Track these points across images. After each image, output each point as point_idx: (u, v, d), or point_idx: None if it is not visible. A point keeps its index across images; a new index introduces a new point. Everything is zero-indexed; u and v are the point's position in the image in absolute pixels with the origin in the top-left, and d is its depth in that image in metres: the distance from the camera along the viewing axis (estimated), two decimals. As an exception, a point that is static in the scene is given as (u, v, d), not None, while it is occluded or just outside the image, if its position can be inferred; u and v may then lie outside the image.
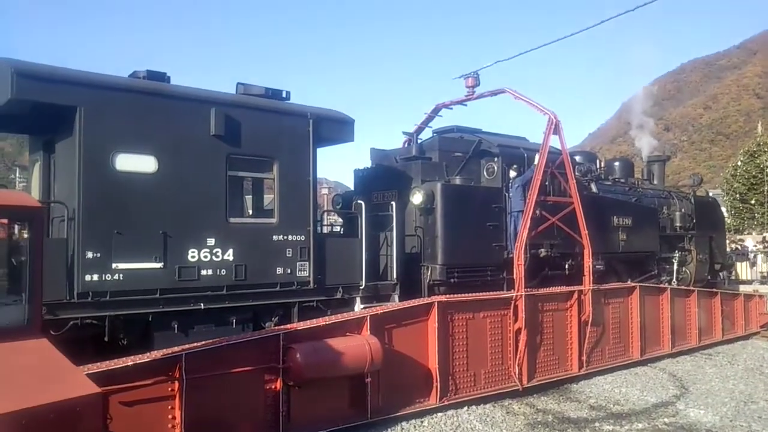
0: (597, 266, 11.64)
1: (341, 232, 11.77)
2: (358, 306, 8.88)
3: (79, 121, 6.87)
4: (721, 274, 17.75)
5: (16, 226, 5.61)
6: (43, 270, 4.67)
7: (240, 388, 6.76)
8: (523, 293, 9.89)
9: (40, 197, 7.89)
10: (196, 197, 7.58)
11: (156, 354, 6.22)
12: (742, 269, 21.65)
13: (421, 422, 8.18)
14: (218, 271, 7.68)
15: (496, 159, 11.22)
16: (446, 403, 8.65)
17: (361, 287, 8.97)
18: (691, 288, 14.50)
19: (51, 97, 6.80)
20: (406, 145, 12.28)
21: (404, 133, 12.72)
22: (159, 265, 7.22)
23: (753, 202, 41.41)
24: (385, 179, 10.95)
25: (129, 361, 5.92)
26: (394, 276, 9.43)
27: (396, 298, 9.36)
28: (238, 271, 7.82)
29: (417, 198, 9.91)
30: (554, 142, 11.10)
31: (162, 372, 6.17)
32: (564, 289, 10.95)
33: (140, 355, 6.11)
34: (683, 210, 15.81)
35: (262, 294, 8.06)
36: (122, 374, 5.81)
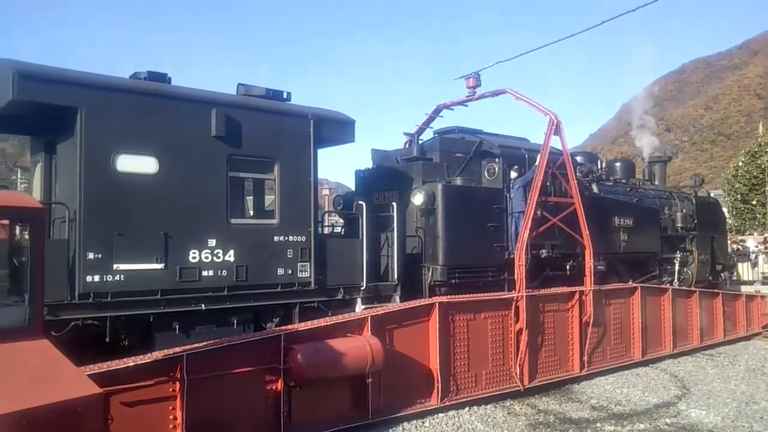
0: (598, 267, 11.63)
1: (342, 233, 11.77)
2: (359, 307, 8.88)
3: (80, 122, 6.88)
4: (722, 274, 17.73)
5: (18, 227, 5.61)
6: (45, 271, 4.67)
7: (241, 388, 6.76)
8: (525, 294, 9.88)
9: (41, 198, 7.89)
10: (197, 198, 7.59)
11: (157, 354, 6.23)
12: (744, 270, 21.63)
13: (423, 423, 8.18)
14: (219, 271, 7.68)
15: (497, 160, 11.22)
16: (447, 403, 8.64)
17: (362, 288, 8.97)
18: (693, 289, 14.48)
19: (52, 98, 6.81)
20: (407, 146, 12.28)
21: (405, 133, 12.72)
22: (160, 266, 7.22)
23: (754, 202, 41.40)
24: (386, 180, 10.95)
25: (130, 361, 5.93)
26: (395, 277, 9.43)
27: (397, 298, 9.36)
28: (239, 272, 7.82)
29: (418, 199, 9.91)
30: (555, 142, 11.11)
31: (163, 372, 6.17)
32: (565, 289, 10.94)
33: (141, 356, 6.12)
34: (684, 210, 15.80)
35: (263, 295, 8.06)
36: (123, 375, 5.82)
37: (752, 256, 22.89)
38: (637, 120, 20.92)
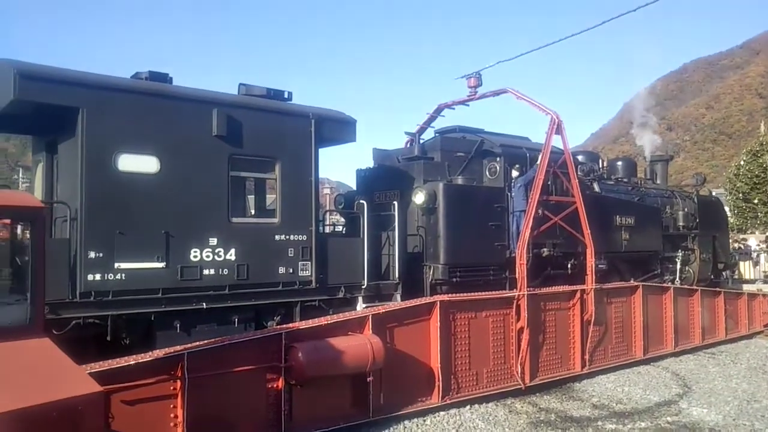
0: (600, 265, 11.62)
1: (343, 232, 11.78)
2: (360, 305, 8.89)
3: (81, 121, 6.90)
4: (724, 273, 17.72)
5: (19, 227, 5.64)
6: (46, 270, 4.68)
7: (242, 387, 6.77)
8: (526, 292, 9.88)
9: (43, 197, 7.91)
10: (198, 197, 7.60)
11: (158, 353, 6.23)
12: (745, 269, 21.61)
13: (424, 421, 8.18)
14: (220, 270, 7.69)
15: (498, 159, 11.22)
16: (448, 402, 8.65)
17: (363, 287, 8.98)
18: (695, 287, 14.47)
19: (53, 98, 6.83)
20: (408, 145, 12.28)
21: (406, 133, 12.73)
22: (161, 264, 7.23)
23: (756, 201, 41.31)
24: (387, 179, 10.96)
25: (131, 360, 5.94)
26: (396, 275, 9.44)
27: (398, 297, 9.37)
28: (241, 271, 7.84)
29: (419, 198, 9.92)
30: (556, 142, 11.12)
31: (164, 371, 6.18)
32: (566, 288, 10.94)
33: (142, 354, 6.13)
34: (686, 209, 15.78)
35: (264, 293, 8.07)
36: (124, 373, 5.83)
37: (754, 255, 22.87)
38: (638, 118, 20.91)
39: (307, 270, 8.43)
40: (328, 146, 9.58)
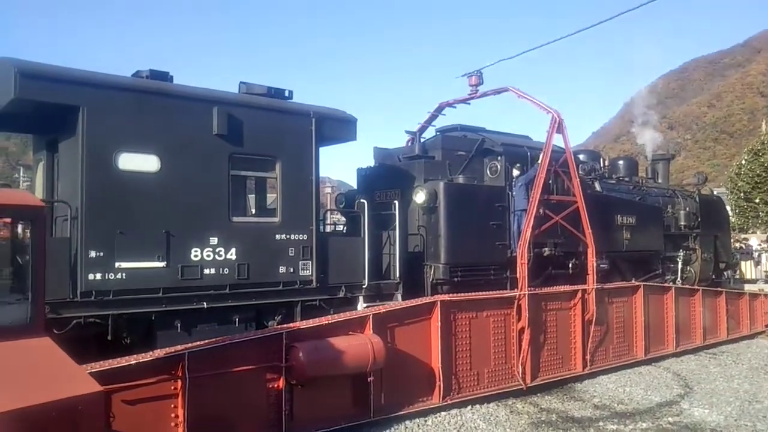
0: (601, 265, 11.60)
1: (344, 231, 11.76)
2: (361, 305, 8.87)
3: (82, 120, 6.88)
4: (725, 273, 17.69)
5: (20, 225, 5.62)
6: (47, 269, 4.67)
7: (243, 386, 6.76)
8: (527, 292, 9.86)
9: (43, 196, 7.90)
10: (198, 196, 7.59)
11: (159, 353, 6.22)
12: (747, 268, 21.58)
13: (425, 421, 8.17)
14: (221, 270, 7.68)
15: (499, 158, 11.20)
16: (449, 402, 8.64)
17: (364, 286, 8.96)
18: (696, 287, 14.45)
19: (54, 97, 6.81)
20: (409, 144, 12.25)
21: (407, 131, 12.70)
22: (162, 264, 7.22)
23: (757, 200, 41.27)
24: (388, 178, 10.94)
25: (132, 359, 5.93)
26: (397, 275, 9.42)
27: (399, 297, 9.35)
28: (241, 270, 7.82)
29: (420, 197, 9.90)
30: (557, 140, 11.10)
31: (165, 371, 6.17)
32: (568, 288, 10.92)
33: (143, 354, 6.12)
34: (688, 209, 15.75)
35: (265, 293, 8.06)
36: (125, 373, 5.82)
37: (755, 255, 22.84)
38: (639, 115, 20.87)
39: (307, 269, 8.41)
40: (328, 145, 9.56)
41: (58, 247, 6.74)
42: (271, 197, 9.41)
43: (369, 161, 11.88)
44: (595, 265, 11.18)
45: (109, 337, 6.90)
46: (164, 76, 7.74)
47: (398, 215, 9.53)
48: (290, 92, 8.80)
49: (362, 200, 9.25)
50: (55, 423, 3.76)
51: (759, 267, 22.19)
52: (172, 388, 6.23)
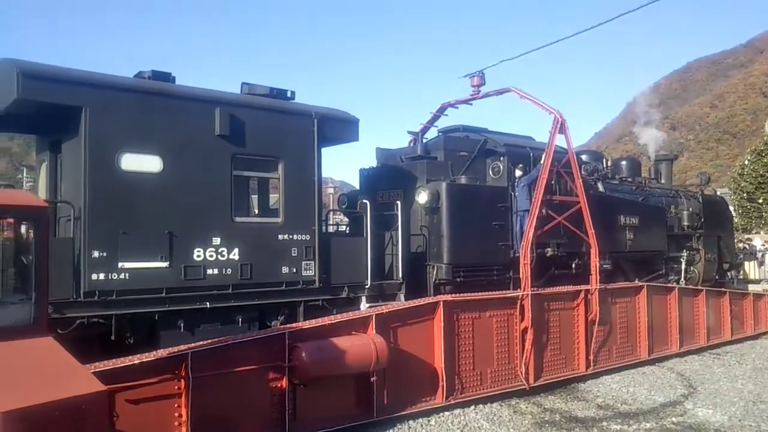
0: (604, 265, 11.58)
1: (347, 232, 11.76)
2: (364, 305, 8.87)
3: (84, 121, 6.89)
4: (729, 273, 17.63)
5: (23, 226, 5.63)
6: (50, 269, 4.69)
7: (246, 386, 6.77)
8: (530, 292, 9.85)
9: (47, 197, 7.91)
10: (201, 197, 7.59)
11: (162, 352, 6.23)
12: (751, 269, 21.50)
13: (428, 421, 8.16)
14: (224, 270, 7.68)
15: (501, 158, 11.19)
16: (452, 402, 8.63)
17: (366, 286, 8.96)
18: (700, 287, 14.41)
19: (56, 98, 6.83)
20: (411, 145, 12.25)
21: (409, 132, 12.70)
22: (165, 264, 7.23)
23: (761, 201, 41.14)
24: (390, 179, 10.93)
25: (135, 359, 5.94)
26: (400, 275, 9.42)
27: (402, 297, 9.35)
28: (244, 271, 7.82)
29: (422, 197, 9.90)
30: (560, 141, 11.08)
31: (168, 370, 6.18)
32: (571, 288, 10.90)
33: (146, 354, 6.12)
34: (691, 209, 15.71)
35: (268, 293, 8.06)
36: (129, 372, 5.83)
37: (759, 255, 22.75)
38: (642, 113, 20.82)
39: (310, 270, 8.41)
40: (331, 145, 9.57)
41: (62, 247, 6.75)
42: (274, 197, 9.42)
43: (371, 162, 11.90)
44: (598, 265, 11.16)
45: (112, 337, 6.91)
46: (166, 77, 7.75)
47: (401, 215, 9.53)
48: (292, 93, 8.81)
49: (365, 201, 9.25)
50: (58, 422, 3.77)
51: (762, 267, 22.09)
52: (176, 387, 6.23)
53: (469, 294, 9.24)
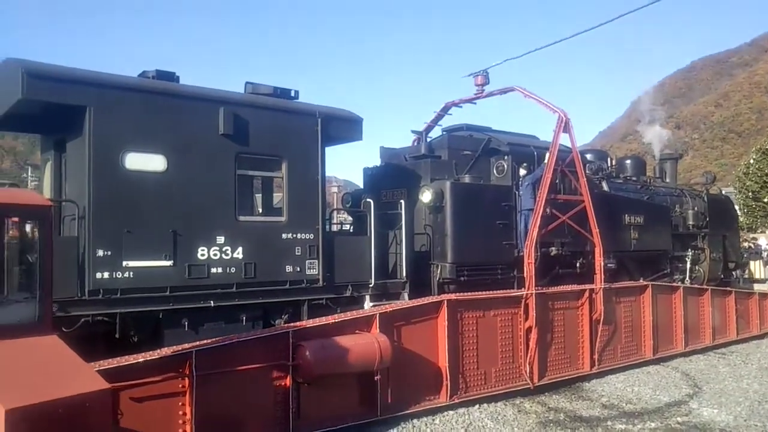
0: (608, 264, 11.55)
1: (351, 231, 11.76)
2: (368, 304, 8.87)
3: (88, 120, 6.91)
4: (734, 272, 17.56)
5: (27, 225, 5.65)
6: (55, 268, 4.71)
7: (250, 385, 6.77)
8: (534, 291, 9.83)
9: (51, 196, 7.94)
10: (205, 196, 7.60)
11: (166, 351, 6.23)
12: (756, 268, 21.41)
13: (433, 420, 8.15)
14: (228, 269, 7.69)
15: (505, 157, 11.17)
16: (456, 401, 8.62)
17: (370, 285, 8.96)
18: (705, 287, 14.35)
19: (61, 97, 6.85)
20: (415, 144, 12.25)
21: (413, 131, 12.69)
22: (169, 263, 7.24)
23: (766, 200, 40.93)
24: (394, 178, 10.93)
25: (140, 357, 5.95)
26: (404, 274, 9.41)
27: (405, 296, 9.34)
28: (248, 269, 7.83)
29: (426, 196, 9.89)
30: (564, 140, 11.05)
31: (172, 369, 6.19)
32: (575, 287, 10.87)
33: (151, 352, 6.13)
34: (696, 208, 15.66)
35: (272, 292, 8.07)
36: (133, 371, 5.83)
37: (764, 255, 22.65)
38: (646, 112, 20.76)
39: (314, 268, 8.42)
40: (334, 145, 9.56)
41: (66, 246, 6.77)
42: (278, 196, 9.42)
43: (375, 161, 11.90)
44: (602, 264, 11.12)
45: (117, 336, 6.92)
46: (170, 77, 7.77)
47: (404, 214, 9.52)
48: (296, 92, 8.81)
49: (368, 199, 9.25)
50: (63, 420, 3.78)
51: (768, 267, 22.00)
52: (180, 386, 6.24)
53: (473, 293, 9.22)
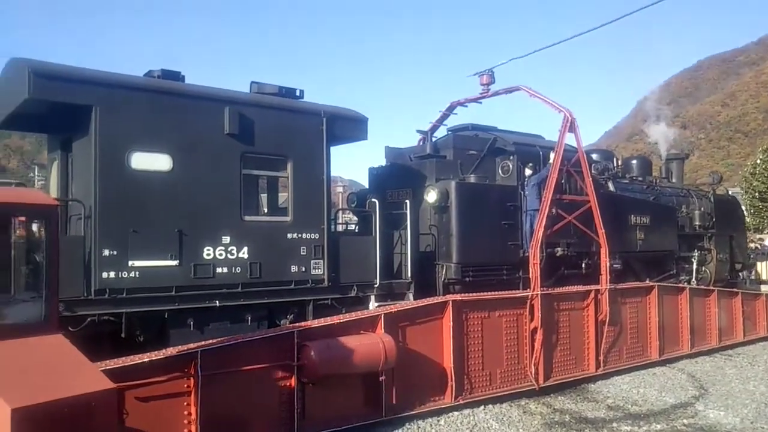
0: (614, 265, 11.50)
1: (356, 231, 11.75)
2: (373, 304, 8.86)
3: (95, 120, 6.93)
4: (741, 273, 17.45)
5: (34, 224, 5.67)
6: (61, 267, 4.71)
7: (255, 384, 6.77)
8: (539, 292, 9.80)
9: (58, 195, 7.97)
10: (210, 196, 7.61)
11: (172, 351, 6.24)
12: (763, 269, 21.28)
13: (438, 421, 8.14)
14: (233, 268, 7.70)
15: (511, 157, 11.13)
16: (461, 402, 8.60)
17: (375, 285, 8.95)
18: (711, 288, 14.27)
19: (67, 97, 6.86)
20: (420, 144, 12.21)
21: (419, 131, 12.66)
22: (174, 262, 7.25)
23: (773, 200, 40.68)
24: (399, 177, 10.92)
25: (145, 357, 5.96)
26: (409, 274, 9.39)
27: (410, 296, 9.33)
28: (253, 269, 7.84)
29: (431, 196, 9.87)
30: (570, 140, 11.01)
31: (177, 368, 6.19)
32: (581, 288, 10.83)
33: (156, 352, 6.14)
34: (702, 208, 15.57)
35: (277, 292, 8.07)
36: (138, 370, 5.84)
37: (771, 255, 22.49)
38: (652, 111, 20.68)
39: (319, 268, 8.41)
40: (340, 144, 9.56)
41: (73, 245, 6.78)
42: (283, 196, 9.42)
43: (380, 160, 11.88)
44: (608, 265, 11.08)
45: (122, 335, 6.94)
46: (176, 76, 7.78)
47: (410, 214, 9.50)
48: (301, 92, 8.81)
49: (374, 199, 9.23)
50: (68, 420, 3.78)
51: (775, 268, 21.85)
52: (185, 385, 6.25)
53: (478, 293, 9.20)
